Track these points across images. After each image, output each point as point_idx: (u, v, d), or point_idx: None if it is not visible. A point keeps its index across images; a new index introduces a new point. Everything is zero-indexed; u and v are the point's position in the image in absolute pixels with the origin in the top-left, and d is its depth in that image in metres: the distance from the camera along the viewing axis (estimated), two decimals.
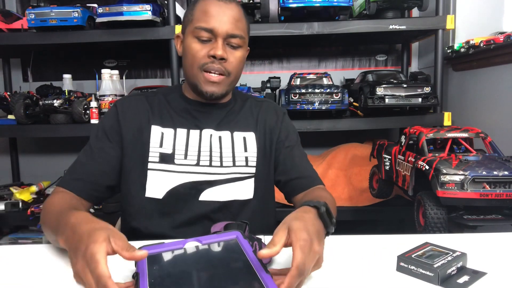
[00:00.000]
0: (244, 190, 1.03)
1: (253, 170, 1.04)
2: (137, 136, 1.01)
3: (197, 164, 1.00)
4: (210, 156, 1.01)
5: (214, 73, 0.97)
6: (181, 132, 1.02)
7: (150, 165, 0.99)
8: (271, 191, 1.12)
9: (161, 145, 1.00)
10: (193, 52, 0.97)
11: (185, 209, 0.98)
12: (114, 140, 1.01)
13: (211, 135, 1.03)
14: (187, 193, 0.98)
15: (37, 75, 2.36)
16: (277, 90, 2.04)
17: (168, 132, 1.02)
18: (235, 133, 1.05)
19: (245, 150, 1.04)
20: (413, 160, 1.39)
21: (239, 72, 1.04)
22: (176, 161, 0.99)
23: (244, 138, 1.06)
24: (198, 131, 1.03)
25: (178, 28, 1.76)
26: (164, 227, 0.97)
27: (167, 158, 0.99)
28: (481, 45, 1.64)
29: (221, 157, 1.01)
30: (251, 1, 1.78)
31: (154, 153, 0.99)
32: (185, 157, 1.00)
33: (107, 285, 0.54)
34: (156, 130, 1.01)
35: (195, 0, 1.02)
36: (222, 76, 0.99)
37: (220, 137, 1.03)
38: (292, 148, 1.10)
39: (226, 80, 1.00)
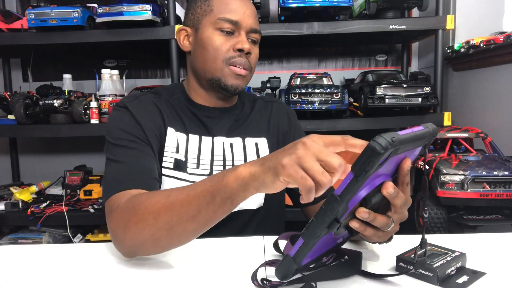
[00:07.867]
0: (255, 199, 0.98)
1: None
2: (158, 136, 0.92)
3: (210, 174, 0.94)
4: (224, 165, 0.96)
5: (240, 67, 0.93)
6: (194, 138, 0.96)
7: (164, 171, 0.92)
8: (282, 198, 1.07)
9: (177, 151, 0.94)
10: (217, 45, 0.92)
11: None
12: (143, 138, 0.89)
13: (223, 143, 0.98)
14: None
15: (37, 75, 2.36)
16: (277, 90, 2.04)
17: (182, 137, 0.95)
18: (247, 139, 1.01)
19: (258, 157, 0.98)
20: None
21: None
22: (188, 170, 0.94)
23: (256, 144, 1.01)
24: (210, 137, 0.98)
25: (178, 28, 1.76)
26: None
27: (180, 166, 0.93)
28: (481, 45, 1.64)
29: (233, 165, 0.96)
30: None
31: (169, 158, 0.93)
32: (198, 166, 0.94)
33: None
34: (171, 133, 0.94)
35: None
36: (247, 71, 0.95)
37: (231, 144, 0.99)
38: None
39: (248, 75, 0.97)
